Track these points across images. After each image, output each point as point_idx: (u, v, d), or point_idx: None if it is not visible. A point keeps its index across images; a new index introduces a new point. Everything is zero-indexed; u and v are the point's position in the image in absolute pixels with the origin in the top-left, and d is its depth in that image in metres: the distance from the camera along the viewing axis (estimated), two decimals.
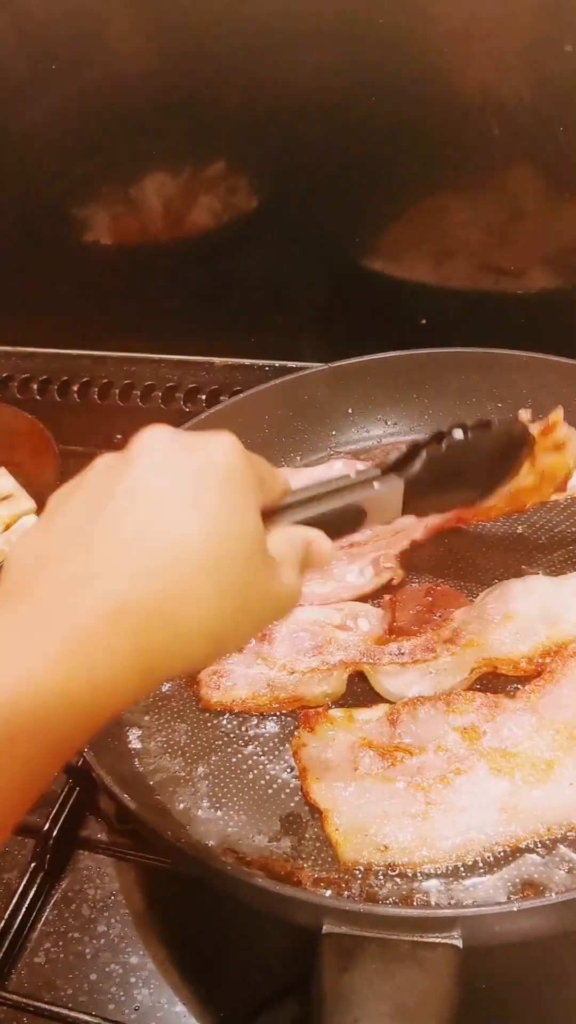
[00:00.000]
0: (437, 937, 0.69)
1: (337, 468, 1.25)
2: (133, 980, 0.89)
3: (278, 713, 0.97)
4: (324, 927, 0.70)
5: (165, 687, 1.02)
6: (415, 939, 0.69)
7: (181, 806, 0.90)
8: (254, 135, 1.36)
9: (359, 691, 0.97)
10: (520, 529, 1.15)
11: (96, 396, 1.56)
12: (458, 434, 0.82)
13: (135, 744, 0.97)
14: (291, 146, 1.35)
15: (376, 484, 0.78)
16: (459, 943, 0.69)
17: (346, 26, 1.21)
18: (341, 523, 0.75)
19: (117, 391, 1.55)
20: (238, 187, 1.44)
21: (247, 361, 1.53)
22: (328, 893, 0.80)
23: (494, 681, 0.96)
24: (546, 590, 1.03)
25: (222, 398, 1.46)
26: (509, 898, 0.77)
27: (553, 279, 1.32)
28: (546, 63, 1.14)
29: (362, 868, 0.82)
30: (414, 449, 0.80)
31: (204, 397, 1.49)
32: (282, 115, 1.32)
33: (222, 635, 0.60)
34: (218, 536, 0.58)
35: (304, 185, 1.39)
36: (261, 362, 1.51)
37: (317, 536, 0.70)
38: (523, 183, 1.27)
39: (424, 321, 1.38)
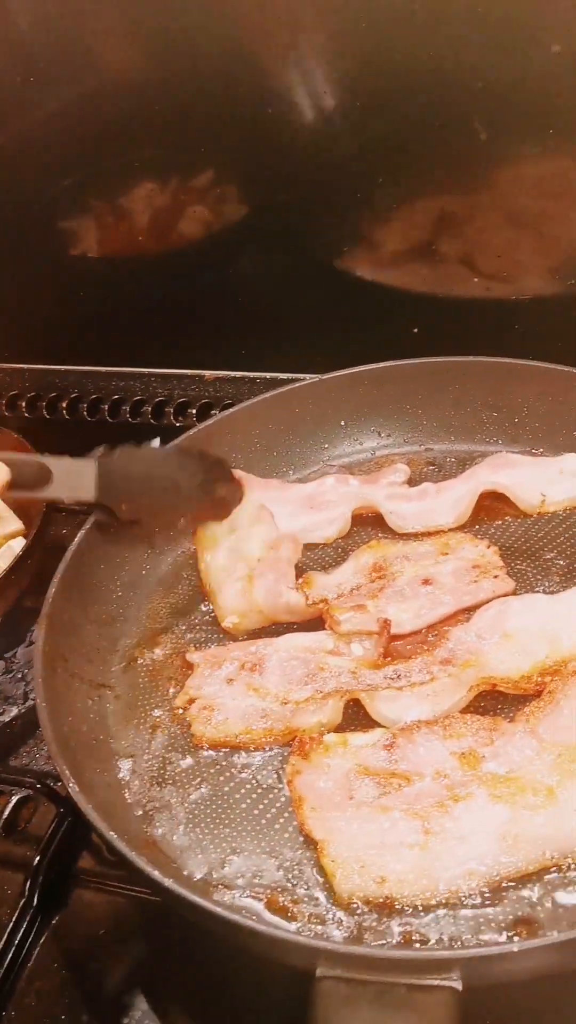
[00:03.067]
0: (435, 979, 0.66)
1: (329, 484, 1.23)
2: (126, 1021, 0.86)
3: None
4: (318, 970, 0.68)
5: (149, 723, 0.99)
6: (412, 982, 0.66)
7: (173, 839, 0.87)
8: (242, 146, 1.34)
9: (355, 718, 0.94)
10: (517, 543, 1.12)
11: (85, 412, 1.53)
12: (156, 442, 1.01)
13: (125, 775, 0.94)
14: (279, 156, 1.33)
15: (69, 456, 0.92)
16: (458, 985, 0.66)
17: (332, 37, 1.20)
18: (26, 474, 0.87)
19: (106, 407, 1.52)
20: (227, 198, 1.42)
21: (237, 374, 1.51)
22: (323, 930, 0.77)
23: (492, 702, 0.93)
24: (544, 608, 1.00)
25: (213, 412, 1.44)
26: (511, 935, 0.75)
27: (547, 286, 1.29)
28: (533, 65, 1.11)
29: (359, 901, 0.79)
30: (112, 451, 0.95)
31: (194, 411, 1.47)
32: (270, 125, 1.30)
33: None
34: None
35: (293, 195, 1.37)
36: (252, 375, 1.49)
37: None
38: (514, 189, 1.25)
39: (416, 330, 1.36)
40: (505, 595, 1.04)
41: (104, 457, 0.97)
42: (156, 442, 0.96)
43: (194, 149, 1.38)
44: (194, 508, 1.06)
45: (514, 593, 1.04)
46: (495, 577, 1.06)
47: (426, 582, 1.07)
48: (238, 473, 1.16)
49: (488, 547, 1.09)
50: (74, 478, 0.92)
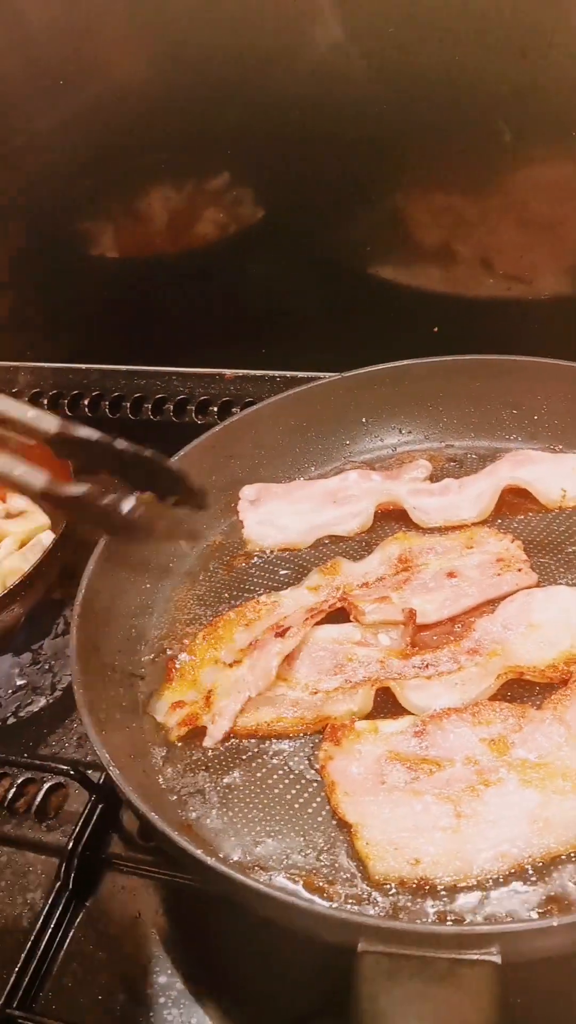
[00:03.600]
0: (476, 954, 0.68)
1: (352, 479, 1.25)
2: (163, 1000, 0.88)
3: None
4: (360, 945, 0.70)
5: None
6: (453, 956, 0.68)
7: (207, 822, 0.89)
8: (257, 147, 1.36)
9: (384, 706, 0.96)
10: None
11: (107, 410, 1.55)
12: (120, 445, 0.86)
13: (158, 762, 0.96)
14: (295, 157, 1.35)
15: (30, 412, 0.83)
16: (498, 959, 0.68)
17: (351, 38, 1.21)
18: None
19: (128, 404, 1.54)
20: (243, 199, 1.44)
21: (258, 372, 1.53)
22: (359, 909, 0.79)
23: (519, 691, 0.95)
24: (568, 599, 1.02)
25: (234, 410, 1.46)
26: (545, 912, 0.76)
27: (566, 285, 1.31)
28: (555, 68, 1.13)
29: (393, 883, 0.81)
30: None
31: (216, 409, 1.48)
32: (285, 126, 1.32)
33: None
34: None
35: (310, 194, 1.38)
36: (272, 373, 1.51)
37: None
38: (532, 189, 1.27)
39: (437, 329, 1.38)
40: (528, 588, 1.06)
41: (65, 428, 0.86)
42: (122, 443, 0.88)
43: (210, 152, 1.40)
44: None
45: (537, 586, 1.06)
46: (519, 570, 1.07)
47: (451, 575, 1.09)
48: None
49: (512, 541, 1.11)
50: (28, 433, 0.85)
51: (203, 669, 1.05)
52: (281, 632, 1.03)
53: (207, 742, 0.97)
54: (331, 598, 1.08)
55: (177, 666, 1.05)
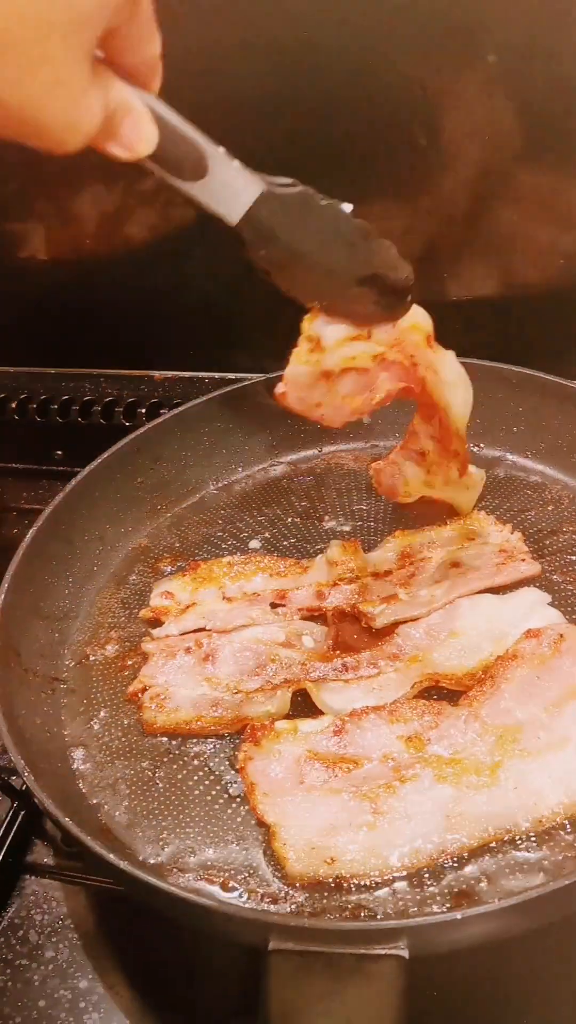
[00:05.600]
0: (383, 949, 0.69)
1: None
2: (83, 1005, 0.87)
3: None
4: (270, 944, 0.70)
5: (102, 715, 1.01)
6: (361, 952, 0.69)
7: (126, 825, 0.89)
8: None
9: (307, 707, 0.97)
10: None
11: (35, 413, 1.54)
12: (347, 207, 0.82)
13: (79, 765, 0.96)
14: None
15: (238, 162, 0.76)
16: (405, 953, 0.69)
17: (277, 39, 1.22)
18: (179, 154, 0.72)
19: (56, 407, 1.53)
20: (175, 200, 1.43)
21: (187, 374, 1.53)
22: (275, 909, 0.80)
23: (437, 694, 0.96)
24: (492, 608, 1.04)
25: (162, 411, 1.45)
26: (456, 906, 0.78)
27: (486, 285, 1.33)
28: (469, 73, 1.15)
29: (310, 881, 0.81)
30: (294, 187, 0.79)
31: (144, 411, 1.48)
32: (215, 126, 1.31)
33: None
34: None
35: None
36: (201, 375, 1.51)
37: (142, 112, 0.66)
38: (453, 193, 1.29)
39: None
40: (533, 578, 1.07)
41: (277, 188, 0.80)
42: (347, 207, 0.81)
43: None
44: (338, 299, 0.89)
45: (541, 575, 1.07)
46: (522, 560, 1.09)
47: (455, 565, 1.10)
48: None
49: (512, 531, 1.13)
50: (227, 190, 0.76)
51: (209, 587, 1.12)
52: (275, 604, 1.09)
53: (157, 632, 1.07)
54: (347, 575, 1.11)
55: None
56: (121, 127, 0.64)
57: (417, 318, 0.99)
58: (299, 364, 0.95)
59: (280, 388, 0.97)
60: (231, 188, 0.76)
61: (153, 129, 0.67)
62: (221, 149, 0.76)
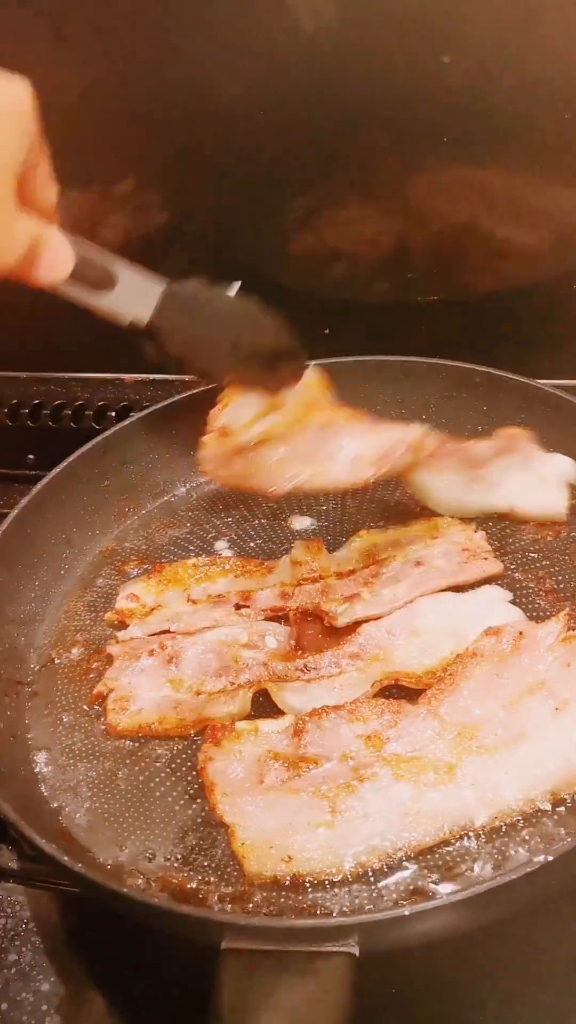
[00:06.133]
0: (333, 946, 0.69)
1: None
2: (45, 1008, 0.88)
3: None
4: (223, 943, 0.71)
5: (66, 718, 1.01)
6: (312, 949, 0.69)
7: (86, 828, 0.89)
8: (163, 154, 1.37)
9: (269, 706, 0.97)
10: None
11: (6, 418, 1.54)
12: (235, 287, 0.95)
13: (42, 768, 0.96)
14: (197, 165, 1.36)
15: (141, 270, 0.87)
16: (355, 951, 0.69)
17: (247, 39, 1.23)
18: (91, 272, 0.83)
19: (27, 411, 1.53)
20: (148, 205, 1.44)
21: (158, 377, 1.53)
22: (233, 908, 0.80)
23: (398, 692, 0.97)
24: (453, 606, 1.04)
25: (132, 414, 1.45)
26: (410, 903, 0.78)
27: (450, 286, 1.34)
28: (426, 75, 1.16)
29: (268, 881, 0.82)
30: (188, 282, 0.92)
31: (114, 414, 1.48)
32: (188, 133, 1.32)
33: None
34: None
35: (212, 200, 1.39)
36: (171, 378, 1.51)
37: (59, 241, 0.76)
38: (418, 194, 1.29)
39: (328, 331, 1.39)
40: (495, 576, 1.08)
41: (174, 285, 0.92)
42: (236, 287, 0.94)
43: (114, 157, 1.40)
44: (243, 371, 1.03)
45: (503, 575, 1.08)
46: (484, 559, 1.09)
47: (418, 564, 1.10)
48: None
49: (475, 531, 1.13)
50: (137, 294, 0.88)
51: (175, 589, 1.12)
52: (239, 605, 1.09)
53: (122, 634, 1.08)
54: (310, 575, 1.11)
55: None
56: (42, 256, 0.74)
57: (313, 377, 1.12)
58: (209, 449, 1.08)
59: (203, 469, 1.09)
60: (138, 292, 0.87)
61: (71, 255, 0.77)
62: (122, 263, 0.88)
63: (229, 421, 1.09)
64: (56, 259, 0.76)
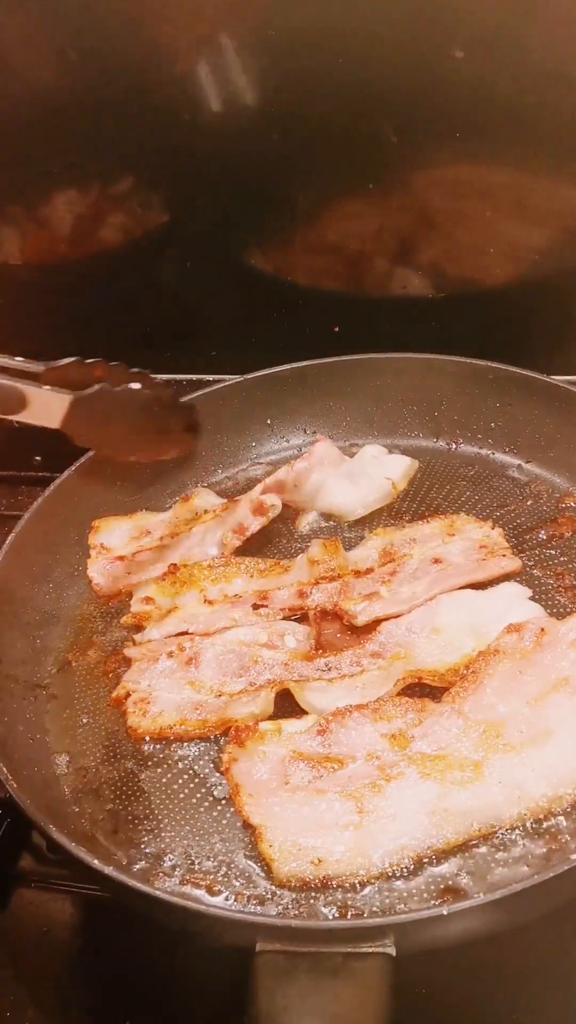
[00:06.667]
0: (369, 947, 0.69)
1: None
2: (72, 1015, 0.87)
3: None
4: (257, 946, 0.70)
5: (85, 720, 1.01)
6: (348, 950, 0.68)
7: (111, 830, 0.89)
8: (161, 152, 1.36)
9: (291, 707, 0.96)
10: None
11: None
12: (135, 385, 1.06)
13: (63, 770, 0.95)
14: (198, 162, 1.35)
15: (46, 387, 0.98)
16: (392, 951, 0.69)
17: (246, 43, 1.22)
18: (4, 399, 0.95)
19: None
20: (147, 204, 1.43)
21: (163, 376, 1.51)
22: (262, 910, 0.80)
23: (420, 691, 0.96)
24: (473, 603, 1.04)
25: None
26: (442, 902, 0.78)
27: (460, 283, 1.33)
28: (437, 71, 1.15)
29: (297, 883, 0.81)
30: (97, 380, 1.03)
31: None
32: (188, 132, 1.31)
33: None
34: None
35: (214, 199, 1.38)
36: (177, 377, 1.50)
37: None
38: (426, 191, 1.29)
39: (337, 329, 1.38)
40: (513, 573, 1.07)
41: (78, 396, 1.02)
42: (136, 385, 1.07)
43: (112, 156, 1.39)
44: (147, 447, 1.18)
45: (521, 571, 1.08)
46: (503, 556, 1.09)
47: (436, 561, 1.10)
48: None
49: (492, 528, 1.13)
50: (46, 408, 1.00)
51: (190, 590, 1.12)
52: (257, 605, 1.09)
53: (139, 637, 1.08)
54: (328, 574, 1.11)
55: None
56: None
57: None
58: (94, 564, 1.18)
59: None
60: (47, 406, 1.00)
61: None
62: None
63: (105, 540, 1.21)
64: None
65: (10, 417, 0.97)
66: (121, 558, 1.17)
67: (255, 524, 1.19)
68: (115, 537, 1.22)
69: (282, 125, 1.28)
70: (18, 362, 1.00)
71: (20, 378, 0.97)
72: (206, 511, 1.23)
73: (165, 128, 1.32)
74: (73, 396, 1.01)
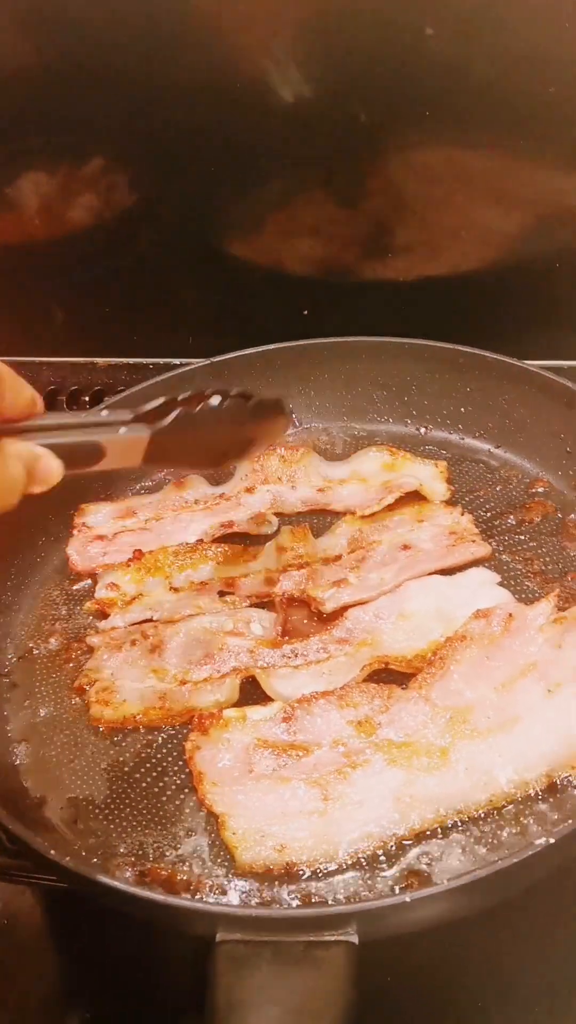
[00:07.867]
0: (332, 935, 0.67)
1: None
2: (35, 1005, 0.85)
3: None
4: (218, 935, 0.69)
5: (46, 709, 0.99)
6: (310, 939, 0.67)
7: (71, 820, 0.87)
8: (132, 132, 1.33)
9: (254, 696, 0.95)
10: None
11: None
12: (215, 401, 0.92)
13: (22, 760, 0.93)
14: (169, 143, 1.33)
15: (122, 429, 0.85)
16: (355, 939, 0.68)
17: (214, 23, 1.20)
18: (79, 456, 0.81)
19: None
20: (117, 185, 1.41)
21: (131, 360, 1.50)
22: (224, 899, 0.78)
23: (387, 677, 0.95)
24: (441, 589, 1.03)
25: (106, 398, 1.42)
26: (406, 888, 0.76)
27: (431, 266, 1.32)
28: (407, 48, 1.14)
29: (260, 870, 0.80)
30: (169, 404, 0.87)
31: (88, 399, 1.45)
32: (159, 112, 1.29)
33: None
34: None
35: (183, 181, 1.36)
36: (145, 360, 1.48)
37: (45, 454, 0.75)
38: (398, 173, 1.27)
39: (306, 312, 1.37)
40: (482, 559, 1.06)
41: (157, 430, 0.90)
42: (215, 399, 0.92)
43: (82, 137, 1.36)
44: (234, 452, 1.05)
45: (492, 557, 1.07)
46: (472, 542, 1.08)
47: (405, 547, 1.08)
48: None
49: (462, 514, 1.12)
50: (125, 452, 0.88)
51: (156, 577, 1.10)
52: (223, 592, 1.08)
53: (103, 624, 1.06)
54: (296, 561, 1.09)
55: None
56: (36, 471, 0.74)
57: None
58: (73, 543, 1.16)
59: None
60: (126, 450, 0.87)
61: (58, 462, 0.77)
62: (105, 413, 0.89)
63: (88, 521, 1.19)
64: (47, 470, 0.75)
65: (89, 469, 0.86)
66: (101, 537, 1.15)
67: (245, 527, 1.17)
68: (100, 517, 1.19)
69: (252, 107, 1.26)
70: (102, 417, 0.86)
71: (94, 428, 0.84)
72: (196, 500, 1.21)
73: (135, 109, 1.30)
74: (151, 431, 0.88)
